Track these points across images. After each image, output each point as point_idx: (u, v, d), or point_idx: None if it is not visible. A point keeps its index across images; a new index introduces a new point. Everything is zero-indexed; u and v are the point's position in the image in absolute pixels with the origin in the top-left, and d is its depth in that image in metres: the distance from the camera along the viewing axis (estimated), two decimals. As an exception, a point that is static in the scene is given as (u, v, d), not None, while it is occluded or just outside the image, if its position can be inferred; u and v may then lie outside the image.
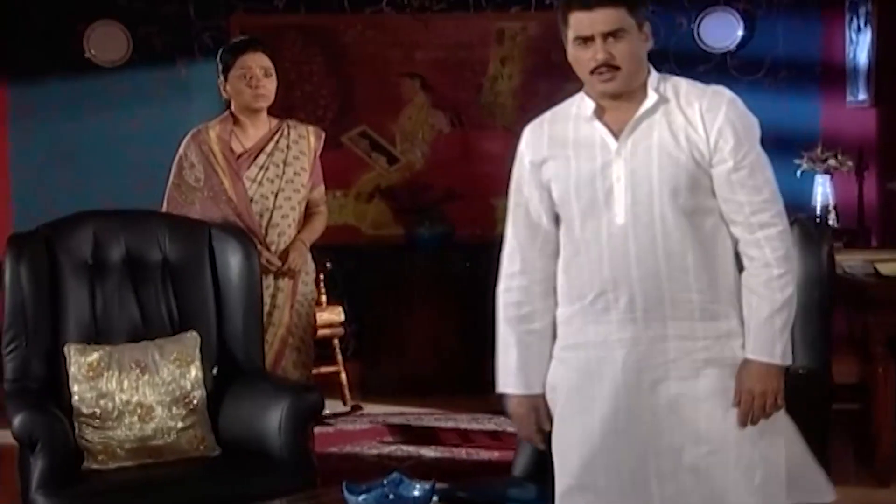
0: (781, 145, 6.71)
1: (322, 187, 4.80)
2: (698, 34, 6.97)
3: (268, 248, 4.54)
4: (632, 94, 2.87)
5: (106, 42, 6.97)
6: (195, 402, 4.03)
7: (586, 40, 2.82)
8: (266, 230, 4.58)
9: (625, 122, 2.87)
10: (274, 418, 3.96)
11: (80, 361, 3.97)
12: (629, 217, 2.84)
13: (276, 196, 4.60)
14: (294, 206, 4.64)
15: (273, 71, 4.60)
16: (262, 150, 4.62)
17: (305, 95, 7.12)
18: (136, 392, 3.97)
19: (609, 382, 2.87)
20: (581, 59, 2.85)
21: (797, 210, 4.03)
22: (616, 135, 2.87)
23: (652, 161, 2.84)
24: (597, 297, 2.89)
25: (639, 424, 2.85)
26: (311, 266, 4.74)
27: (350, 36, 7.16)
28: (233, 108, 4.65)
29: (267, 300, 4.49)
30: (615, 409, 2.86)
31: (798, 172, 6.40)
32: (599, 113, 2.90)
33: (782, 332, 2.87)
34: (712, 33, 6.98)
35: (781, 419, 2.91)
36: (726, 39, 6.98)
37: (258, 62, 4.56)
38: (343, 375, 6.58)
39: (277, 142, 4.65)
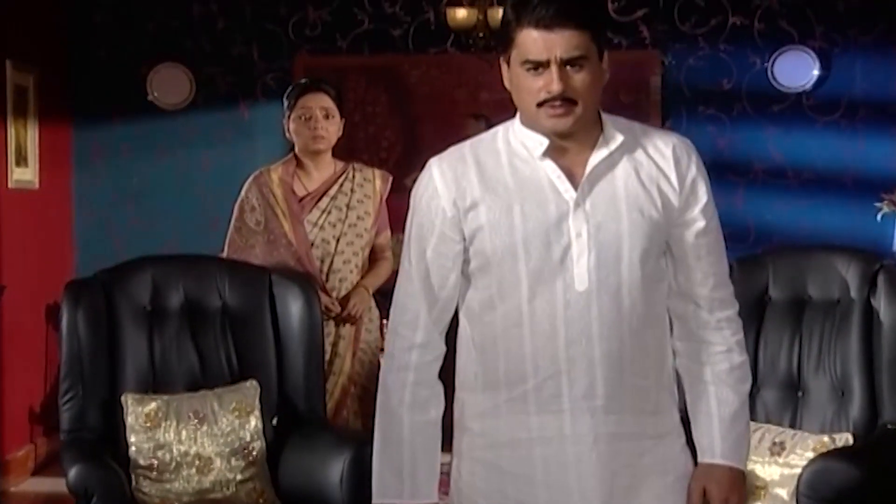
0: (860, 188, 6.61)
1: (388, 232, 4.68)
2: (772, 74, 6.81)
3: (328, 294, 4.43)
4: (582, 133, 2.38)
5: (169, 84, 6.96)
6: (254, 453, 3.93)
7: (538, 66, 2.31)
8: (327, 276, 4.48)
9: (577, 165, 2.38)
10: (335, 471, 3.83)
11: (137, 411, 3.89)
12: (593, 282, 2.33)
13: (337, 241, 4.49)
14: (356, 251, 4.53)
15: (335, 113, 4.51)
16: (325, 193, 4.53)
17: (369, 137, 7.06)
18: (195, 443, 3.88)
19: (561, 489, 2.39)
20: (529, 87, 2.33)
21: (879, 256, 3.88)
22: (570, 180, 2.38)
23: (620, 216, 2.35)
24: (545, 380, 2.36)
25: None
26: (375, 313, 4.62)
27: (414, 76, 7.10)
28: (296, 149, 4.56)
29: (328, 348, 4.38)
30: None
31: (878, 216, 6.26)
32: (550, 152, 2.39)
33: (744, 434, 2.46)
34: (787, 73, 6.81)
35: None
36: (802, 79, 6.81)
37: (319, 103, 4.48)
38: (407, 423, 6.43)
39: (341, 185, 4.55)
